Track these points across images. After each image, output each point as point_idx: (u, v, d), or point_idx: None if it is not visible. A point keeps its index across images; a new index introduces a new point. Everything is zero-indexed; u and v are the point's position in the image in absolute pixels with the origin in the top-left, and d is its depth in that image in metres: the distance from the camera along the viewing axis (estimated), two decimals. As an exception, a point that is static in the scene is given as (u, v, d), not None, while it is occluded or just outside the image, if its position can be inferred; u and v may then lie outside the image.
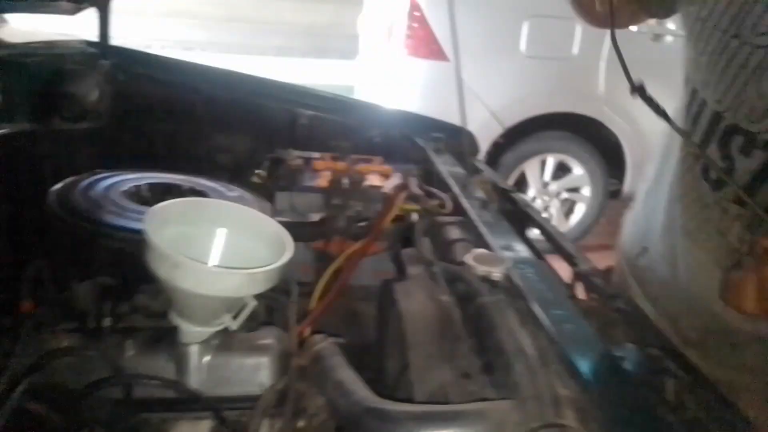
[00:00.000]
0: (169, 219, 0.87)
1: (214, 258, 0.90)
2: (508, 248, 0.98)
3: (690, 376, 0.73)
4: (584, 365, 0.64)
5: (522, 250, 0.98)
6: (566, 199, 4.18)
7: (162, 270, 0.78)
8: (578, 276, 0.98)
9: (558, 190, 4.13)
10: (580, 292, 0.97)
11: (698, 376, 0.74)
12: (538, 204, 4.04)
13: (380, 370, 1.08)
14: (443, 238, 1.15)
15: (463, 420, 0.57)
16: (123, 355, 0.87)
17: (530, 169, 4.02)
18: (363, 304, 1.33)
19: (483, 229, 1.06)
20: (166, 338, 0.91)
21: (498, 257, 0.90)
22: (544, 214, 1.17)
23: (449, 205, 1.31)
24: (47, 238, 1.14)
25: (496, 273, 0.83)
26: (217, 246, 0.91)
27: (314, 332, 0.99)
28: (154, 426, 0.87)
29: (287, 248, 0.86)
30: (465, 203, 1.24)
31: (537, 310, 0.75)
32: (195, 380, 0.88)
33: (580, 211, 4.17)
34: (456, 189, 1.34)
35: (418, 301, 0.94)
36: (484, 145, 3.71)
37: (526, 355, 0.62)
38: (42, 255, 1.01)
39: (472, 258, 0.87)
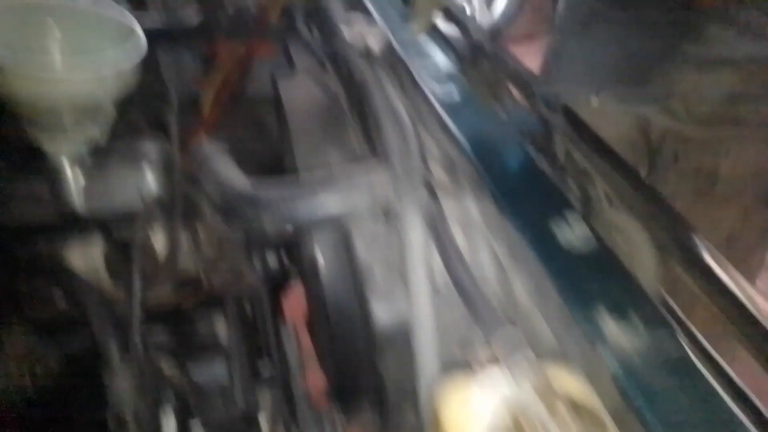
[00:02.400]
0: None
1: (55, 62, 0.78)
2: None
3: (578, 131, 0.72)
4: (462, 125, 0.60)
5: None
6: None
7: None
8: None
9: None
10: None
11: (586, 130, 0.72)
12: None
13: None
14: (326, 15, 1.03)
15: (330, 185, 0.54)
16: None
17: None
18: (267, 113, 1.25)
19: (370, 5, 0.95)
20: (36, 158, 0.82)
21: (378, 28, 0.81)
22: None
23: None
24: None
25: (376, 45, 0.75)
26: (55, 48, 0.78)
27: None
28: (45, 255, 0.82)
29: (140, 44, 0.75)
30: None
31: (417, 77, 0.70)
32: (74, 199, 0.82)
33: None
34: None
35: (302, 92, 0.87)
36: None
37: (400, 118, 0.57)
38: None
39: (349, 33, 0.78)
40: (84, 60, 0.76)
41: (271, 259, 0.97)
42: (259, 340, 0.83)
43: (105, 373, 0.64)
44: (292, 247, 0.99)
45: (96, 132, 0.76)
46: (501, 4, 1.23)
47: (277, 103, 1.08)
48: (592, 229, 0.48)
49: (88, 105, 0.73)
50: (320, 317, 0.93)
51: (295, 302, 0.99)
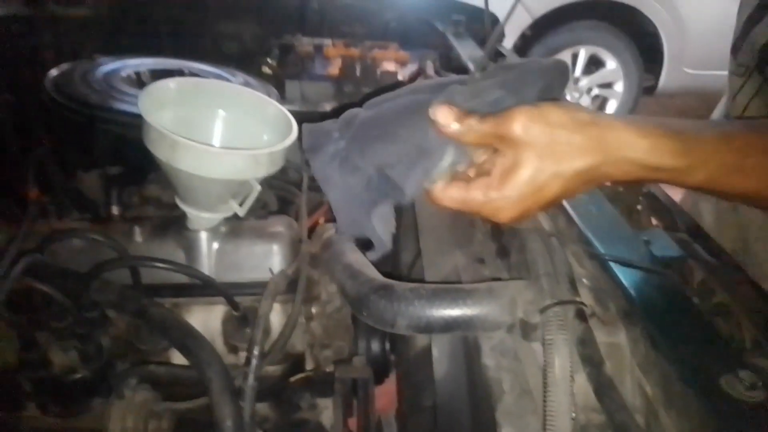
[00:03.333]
0: (165, 100, 0.82)
1: (215, 141, 0.86)
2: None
3: (717, 260, 0.69)
4: (605, 247, 0.59)
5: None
6: (597, 96, 3.98)
7: (160, 151, 0.74)
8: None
9: (589, 86, 3.92)
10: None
11: (726, 261, 0.69)
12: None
13: (395, 265, 1.06)
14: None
15: (472, 298, 0.54)
16: (131, 241, 0.86)
17: (559, 63, 3.80)
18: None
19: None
20: (174, 225, 0.89)
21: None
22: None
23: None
24: (48, 125, 1.11)
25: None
26: (217, 129, 0.86)
27: (327, 221, 0.97)
28: (166, 311, 0.87)
29: (291, 131, 0.81)
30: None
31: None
32: (205, 267, 0.87)
33: (611, 108, 3.98)
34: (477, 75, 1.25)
35: (431, 188, 0.90)
36: (511, 38, 3.49)
37: (542, 234, 0.58)
38: (45, 142, 0.98)
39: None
40: (243, 142, 0.84)
41: (375, 348, 0.97)
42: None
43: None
44: (398, 341, 0.99)
45: (239, 209, 0.81)
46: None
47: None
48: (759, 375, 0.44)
49: (238, 183, 0.79)
50: (417, 416, 0.91)
51: (386, 394, 0.97)
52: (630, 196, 0.81)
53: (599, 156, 0.49)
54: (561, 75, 0.56)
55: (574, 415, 0.46)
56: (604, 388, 0.44)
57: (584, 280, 0.55)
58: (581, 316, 0.50)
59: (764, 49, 0.79)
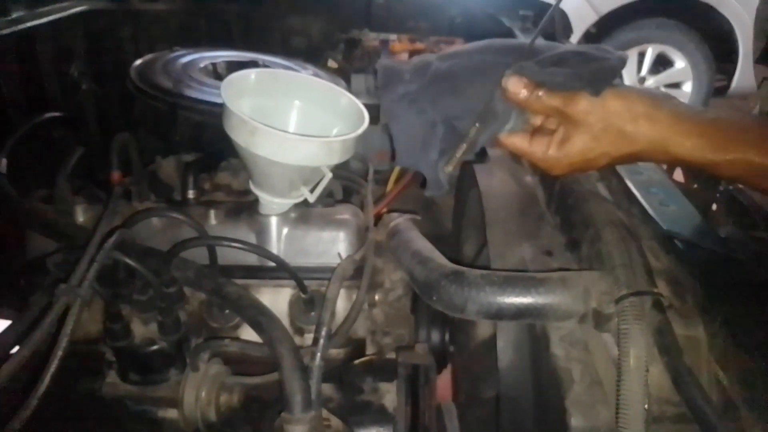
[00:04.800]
0: (245, 89, 0.85)
1: (290, 129, 0.89)
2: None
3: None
4: (682, 241, 0.58)
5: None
6: (663, 96, 3.85)
7: (240, 137, 0.77)
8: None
9: (656, 86, 3.79)
10: (678, 175, 0.89)
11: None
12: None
13: (457, 260, 1.07)
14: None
15: (545, 286, 0.55)
16: (206, 224, 0.90)
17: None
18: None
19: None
20: (247, 210, 0.93)
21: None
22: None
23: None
24: (131, 112, 1.17)
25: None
26: (293, 117, 0.89)
27: (390, 211, 0.98)
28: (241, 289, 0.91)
29: (363, 121, 0.83)
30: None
31: (631, 187, 0.69)
32: (274, 250, 0.90)
33: (678, 109, 3.83)
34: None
35: (499, 180, 0.90)
36: (575, 35, 3.42)
37: (618, 226, 0.57)
38: (127, 129, 1.03)
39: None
40: (315, 130, 0.87)
41: (435, 338, 0.98)
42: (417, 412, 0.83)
43: (284, 419, 0.68)
44: (458, 332, 1.00)
45: (309, 195, 0.84)
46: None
47: (461, 188, 1.12)
48: None
49: (311, 170, 0.82)
50: (476, 408, 0.91)
51: (440, 386, 0.98)
52: (706, 193, 0.79)
53: (645, 145, 0.58)
54: (619, 60, 0.63)
55: (646, 405, 0.46)
56: (683, 377, 0.44)
57: (660, 271, 0.54)
58: (659, 306, 0.49)
59: None
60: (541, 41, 0.66)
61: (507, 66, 0.63)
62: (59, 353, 0.63)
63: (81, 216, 0.95)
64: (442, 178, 0.69)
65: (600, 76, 0.60)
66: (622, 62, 0.63)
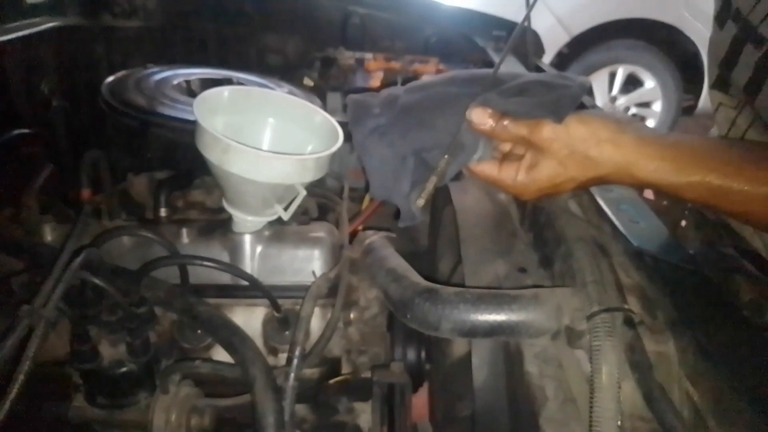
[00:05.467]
0: (218, 107, 0.85)
1: (264, 147, 0.89)
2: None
3: (766, 277, 0.68)
4: (652, 258, 0.59)
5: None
6: (635, 115, 3.94)
7: (213, 155, 0.77)
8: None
9: (627, 105, 3.89)
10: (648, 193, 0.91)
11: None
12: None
13: (433, 277, 1.07)
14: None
15: (517, 303, 0.55)
16: (178, 242, 0.89)
17: (597, 81, 3.78)
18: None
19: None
20: (220, 228, 0.92)
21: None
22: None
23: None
24: (102, 129, 1.15)
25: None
26: (266, 135, 0.89)
27: (366, 229, 0.98)
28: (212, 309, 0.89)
29: (337, 139, 0.83)
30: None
31: (602, 204, 0.70)
32: (248, 269, 0.89)
33: (648, 128, 3.92)
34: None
35: (473, 198, 0.91)
36: (548, 56, 3.49)
37: (589, 243, 0.58)
38: (98, 146, 1.02)
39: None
40: (289, 148, 0.86)
41: (411, 356, 0.98)
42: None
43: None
44: (434, 350, 0.99)
45: (284, 213, 0.84)
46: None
47: (436, 206, 1.13)
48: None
49: (285, 188, 0.81)
50: (452, 426, 0.91)
51: (417, 404, 0.97)
52: (675, 210, 0.80)
53: (610, 169, 0.59)
54: (580, 87, 0.64)
55: (619, 422, 0.46)
56: (654, 393, 0.44)
57: (631, 290, 0.55)
58: (630, 323, 0.50)
59: (749, 87, 0.80)
60: (504, 71, 0.67)
61: (472, 97, 0.64)
62: (20, 377, 0.61)
63: (49, 235, 0.93)
64: (414, 209, 0.70)
65: (562, 104, 0.61)
66: (584, 89, 0.64)
